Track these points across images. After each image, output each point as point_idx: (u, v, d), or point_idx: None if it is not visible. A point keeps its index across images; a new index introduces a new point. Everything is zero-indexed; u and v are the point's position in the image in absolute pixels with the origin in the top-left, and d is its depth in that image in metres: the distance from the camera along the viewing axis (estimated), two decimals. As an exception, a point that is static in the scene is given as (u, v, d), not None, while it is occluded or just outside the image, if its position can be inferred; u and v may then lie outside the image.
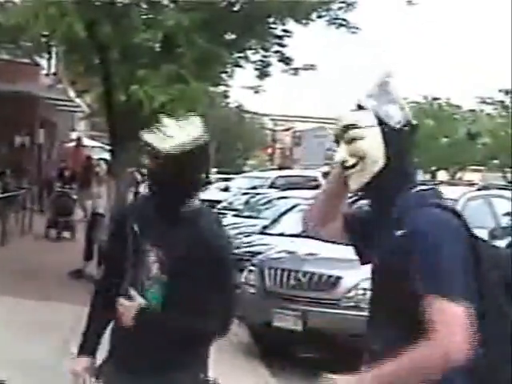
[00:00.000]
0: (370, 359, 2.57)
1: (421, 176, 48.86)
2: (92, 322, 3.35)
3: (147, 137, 3.07)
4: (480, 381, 2.50)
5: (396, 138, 2.57)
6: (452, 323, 2.34)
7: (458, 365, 2.34)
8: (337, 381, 2.45)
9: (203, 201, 3.33)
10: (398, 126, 2.57)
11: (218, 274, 3.12)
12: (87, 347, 3.32)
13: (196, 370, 3.18)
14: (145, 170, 3.22)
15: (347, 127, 2.60)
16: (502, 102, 49.33)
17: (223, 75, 14.83)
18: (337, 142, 2.66)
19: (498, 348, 2.49)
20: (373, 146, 2.57)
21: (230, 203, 17.92)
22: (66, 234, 17.33)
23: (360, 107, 2.62)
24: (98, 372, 3.29)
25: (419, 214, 2.47)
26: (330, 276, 7.80)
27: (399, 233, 2.47)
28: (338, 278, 7.74)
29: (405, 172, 2.61)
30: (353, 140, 2.59)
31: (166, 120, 3.09)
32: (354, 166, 2.59)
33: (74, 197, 17.20)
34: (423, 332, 2.36)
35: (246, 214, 14.95)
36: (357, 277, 7.33)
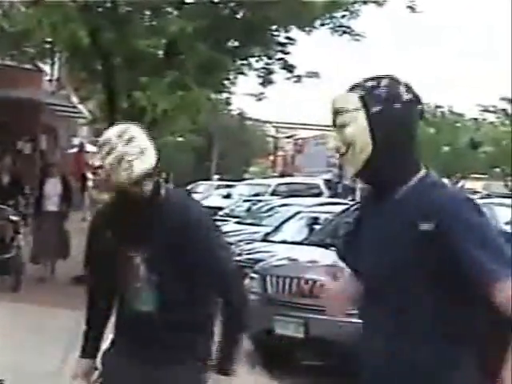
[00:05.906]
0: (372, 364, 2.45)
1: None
2: (91, 325, 3.34)
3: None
4: None
5: (383, 121, 2.34)
6: None
7: None
8: None
9: (205, 207, 3.30)
10: (381, 107, 2.34)
11: (206, 245, 2.96)
12: (88, 349, 3.32)
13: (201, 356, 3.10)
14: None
15: (337, 112, 2.40)
16: (505, 110, 49.27)
17: (226, 82, 14.88)
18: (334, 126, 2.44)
19: None
20: (358, 131, 2.35)
21: (232, 210, 17.93)
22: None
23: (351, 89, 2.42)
24: (102, 358, 3.27)
25: (451, 206, 2.26)
26: (331, 283, 7.78)
27: (426, 226, 2.25)
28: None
29: (402, 157, 2.36)
30: (341, 126, 2.38)
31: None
32: (344, 153, 2.39)
33: (15, 218, 11.33)
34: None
35: (248, 221, 14.95)
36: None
